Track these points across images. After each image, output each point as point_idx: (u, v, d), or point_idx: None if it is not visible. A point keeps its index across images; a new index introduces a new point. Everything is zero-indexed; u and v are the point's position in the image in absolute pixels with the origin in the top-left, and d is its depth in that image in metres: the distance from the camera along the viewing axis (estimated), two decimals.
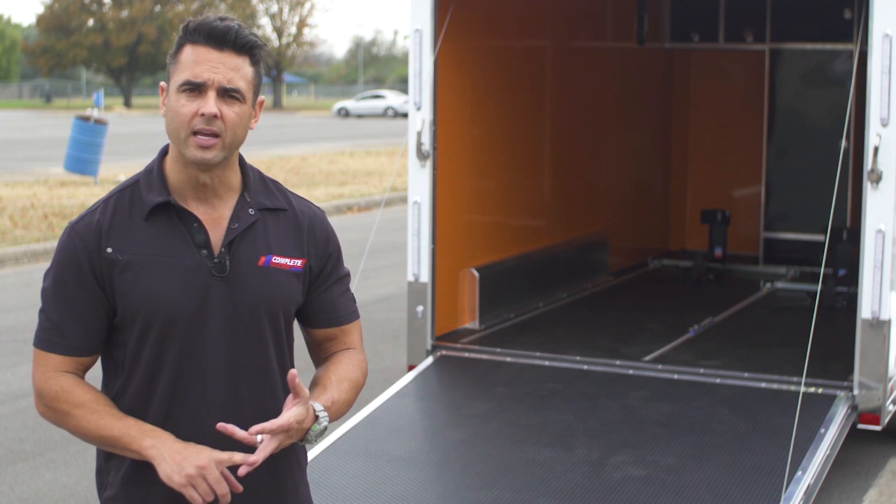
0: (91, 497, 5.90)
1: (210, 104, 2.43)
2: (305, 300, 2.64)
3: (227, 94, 2.45)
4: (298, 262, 2.59)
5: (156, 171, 2.55)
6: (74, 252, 2.50)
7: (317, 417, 2.49)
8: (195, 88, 2.44)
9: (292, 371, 2.45)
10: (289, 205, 2.63)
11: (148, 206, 2.51)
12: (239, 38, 2.47)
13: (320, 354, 2.72)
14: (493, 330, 7.13)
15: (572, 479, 5.05)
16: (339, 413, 2.59)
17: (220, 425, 2.40)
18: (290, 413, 2.43)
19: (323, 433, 2.52)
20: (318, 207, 2.72)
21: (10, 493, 5.96)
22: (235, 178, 2.57)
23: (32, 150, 30.10)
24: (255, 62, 2.51)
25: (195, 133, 2.44)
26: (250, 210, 2.56)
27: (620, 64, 9.55)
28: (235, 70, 2.46)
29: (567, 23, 8.53)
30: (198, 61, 2.44)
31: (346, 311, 2.71)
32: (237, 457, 2.41)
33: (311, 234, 2.63)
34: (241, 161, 2.61)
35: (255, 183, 2.60)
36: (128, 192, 2.55)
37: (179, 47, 2.48)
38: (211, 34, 2.45)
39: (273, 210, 2.60)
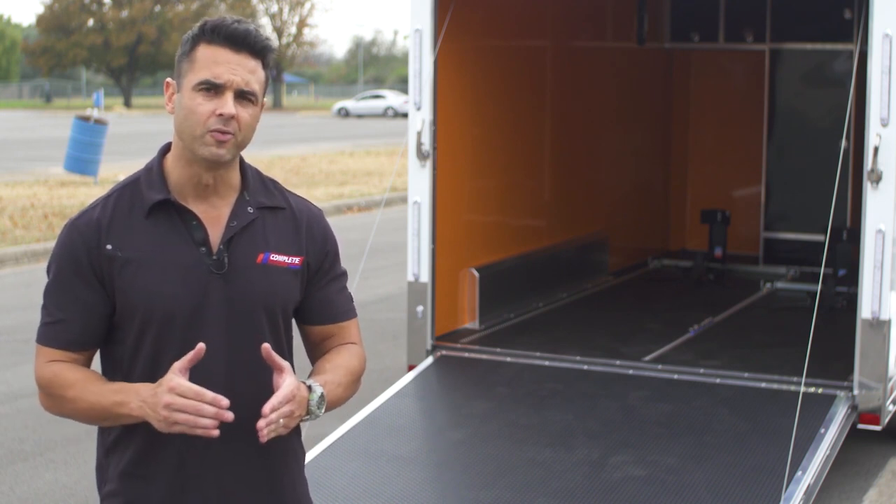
0: (91, 497, 5.89)
1: (229, 105, 2.46)
2: (303, 298, 2.66)
3: (244, 96, 2.49)
4: (296, 260, 2.61)
5: (156, 169, 2.57)
6: (74, 249, 2.52)
7: (310, 388, 2.50)
8: (213, 88, 2.46)
9: (265, 345, 2.45)
10: (287, 203, 2.65)
11: (148, 203, 2.53)
12: (257, 42, 2.50)
13: (318, 354, 2.73)
14: (493, 330, 7.13)
15: (572, 479, 5.06)
16: (335, 393, 2.59)
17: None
18: (287, 383, 2.43)
19: (323, 402, 2.52)
20: (315, 206, 2.73)
21: (10, 493, 5.96)
22: (235, 177, 2.60)
23: (32, 150, 30.10)
24: (266, 65, 2.55)
25: (213, 130, 2.46)
26: (249, 208, 2.58)
27: (620, 64, 9.55)
28: (252, 73, 2.50)
29: (567, 23, 8.53)
30: (217, 62, 2.47)
31: (343, 309, 2.72)
32: (208, 395, 2.37)
33: (310, 232, 2.65)
34: (241, 160, 2.63)
35: (254, 182, 2.63)
36: (128, 190, 2.57)
37: (194, 45, 2.50)
38: (231, 36, 2.48)
39: (272, 209, 2.62)
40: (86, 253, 2.50)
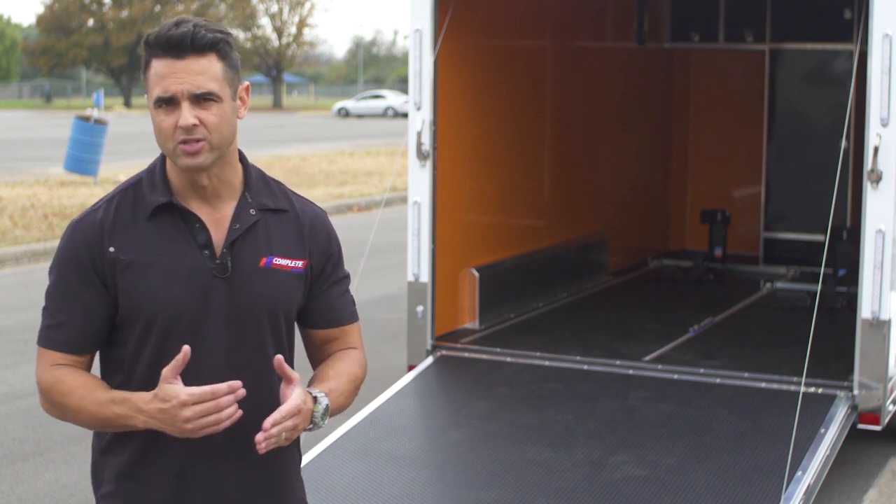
0: (91, 497, 5.89)
1: (186, 116, 2.42)
2: (305, 301, 2.65)
3: (202, 98, 2.44)
4: (300, 264, 2.60)
5: (158, 172, 2.56)
6: (77, 250, 2.51)
7: (315, 399, 2.50)
8: (168, 102, 2.44)
9: (278, 356, 2.45)
10: (290, 205, 2.64)
11: (150, 206, 2.52)
12: (196, 41, 2.43)
13: (320, 357, 2.72)
14: (493, 330, 7.13)
15: (572, 479, 5.06)
16: (338, 402, 2.59)
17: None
18: (294, 396, 2.43)
19: (327, 413, 2.52)
20: (319, 208, 2.72)
21: (10, 493, 5.96)
22: (236, 177, 2.58)
23: (32, 150, 30.09)
24: (223, 56, 2.48)
25: (181, 143, 2.45)
26: (251, 210, 2.57)
27: (620, 64, 9.55)
28: (202, 73, 2.44)
29: (567, 23, 8.53)
30: (163, 75, 2.43)
31: (345, 312, 2.72)
32: (208, 389, 2.38)
33: (313, 235, 2.64)
34: (244, 160, 2.61)
35: (256, 183, 2.61)
36: (130, 192, 2.56)
37: (147, 62, 2.47)
38: (168, 44, 2.43)
39: (275, 211, 2.60)
40: (88, 254, 2.50)
